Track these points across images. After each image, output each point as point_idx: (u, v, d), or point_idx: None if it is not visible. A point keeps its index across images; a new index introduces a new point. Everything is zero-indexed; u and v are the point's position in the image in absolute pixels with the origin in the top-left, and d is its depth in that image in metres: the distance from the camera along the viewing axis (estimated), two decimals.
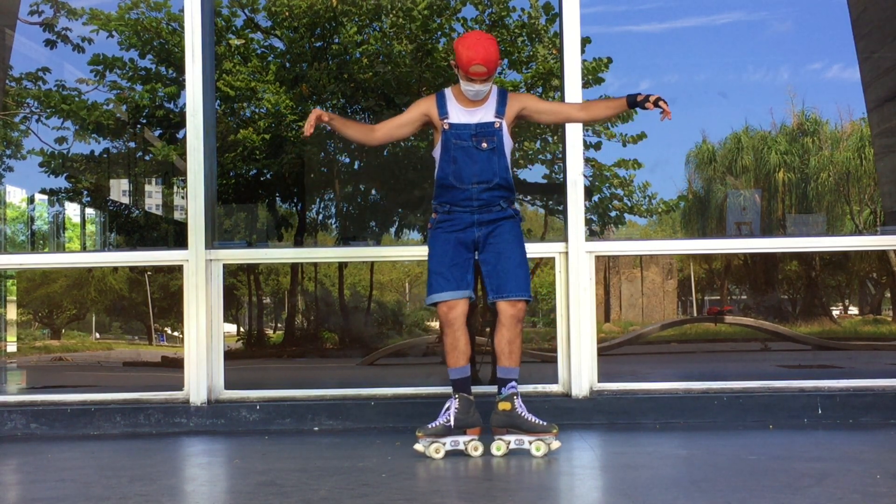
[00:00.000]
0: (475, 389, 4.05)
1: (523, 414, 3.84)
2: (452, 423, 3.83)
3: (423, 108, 3.98)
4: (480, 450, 3.84)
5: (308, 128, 3.80)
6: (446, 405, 3.89)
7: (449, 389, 3.95)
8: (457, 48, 3.82)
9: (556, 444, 3.84)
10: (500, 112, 3.92)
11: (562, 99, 4.92)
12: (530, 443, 3.84)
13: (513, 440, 3.86)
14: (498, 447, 3.85)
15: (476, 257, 3.97)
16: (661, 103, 3.86)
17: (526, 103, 4.02)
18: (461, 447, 3.85)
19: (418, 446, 3.83)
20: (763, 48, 9.40)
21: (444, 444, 3.83)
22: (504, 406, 3.85)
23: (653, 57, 9.27)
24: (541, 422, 3.85)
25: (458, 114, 3.91)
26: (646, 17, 9.08)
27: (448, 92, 3.97)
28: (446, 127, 3.90)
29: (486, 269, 3.92)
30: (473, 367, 5.54)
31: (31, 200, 8.70)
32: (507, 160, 3.94)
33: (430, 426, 3.85)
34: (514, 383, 3.88)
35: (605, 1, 8.29)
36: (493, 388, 4.03)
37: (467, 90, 3.86)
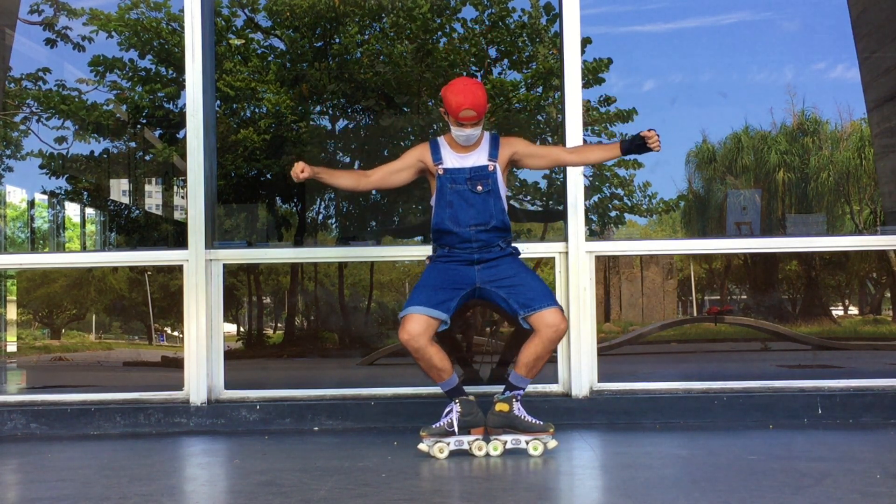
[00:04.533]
0: (475, 389, 4.04)
1: (520, 415, 3.86)
2: (456, 427, 3.84)
3: (417, 154, 4.00)
4: (484, 449, 3.85)
5: (295, 176, 3.81)
6: (448, 407, 3.90)
7: None
8: (445, 95, 3.85)
9: (552, 444, 3.85)
10: (493, 155, 3.94)
11: (561, 100, 4.93)
12: (527, 442, 3.85)
13: (509, 440, 3.87)
14: (495, 447, 3.86)
15: (482, 288, 3.91)
16: (652, 132, 3.86)
17: (517, 147, 4.02)
18: (465, 447, 3.86)
19: (422, 446, 3.84)
20: (768, 48, 9.37)
21: (447, 443, 3.84)
22: (502, 407, 3.87)
23: (656, 57, 9.24)
24: (537, 421, 3.87)
25: (452, 159, 3.94)
26: (650, 17, 9.05)
27: (441, 139, 4.00)
28: (441, 172, 3.93)
29: (504, 293, 3.88)
30: (469, 366, 5.57)
31: (31, 205, 8.69)
32: (504, 203, 3.94)
33: (433, 426, 3.86)
34: (520, 391, 3.89)
35: (609, 1, 8.27)
36: (493, 388, 4.03)
37: (458, 135, 3.88)
